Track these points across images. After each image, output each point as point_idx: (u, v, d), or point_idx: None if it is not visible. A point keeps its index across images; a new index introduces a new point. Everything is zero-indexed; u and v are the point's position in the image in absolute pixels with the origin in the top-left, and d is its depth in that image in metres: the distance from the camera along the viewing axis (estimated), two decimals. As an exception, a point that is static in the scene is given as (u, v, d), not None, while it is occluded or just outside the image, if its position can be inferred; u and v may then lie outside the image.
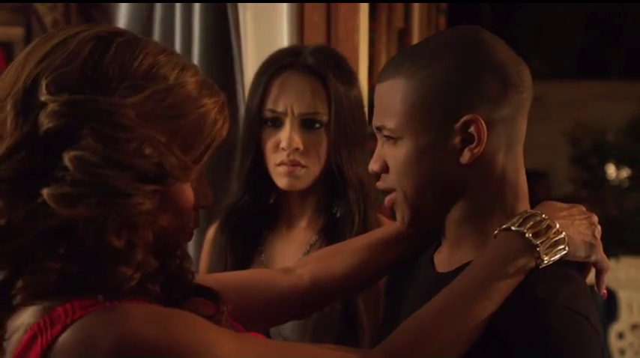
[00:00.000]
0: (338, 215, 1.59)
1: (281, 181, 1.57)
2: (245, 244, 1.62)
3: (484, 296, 1.00)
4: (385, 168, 1.12)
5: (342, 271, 1.23)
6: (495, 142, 1.07)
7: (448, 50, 1.08)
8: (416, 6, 3.71)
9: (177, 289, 0.99)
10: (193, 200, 0.99)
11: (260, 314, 1.20)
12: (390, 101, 1.09)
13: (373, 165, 1.13)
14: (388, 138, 1.10)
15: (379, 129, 1.11)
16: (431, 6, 3.98)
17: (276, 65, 1.57)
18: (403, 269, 1.24)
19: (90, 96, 0.91)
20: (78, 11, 2.42)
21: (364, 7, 2.19)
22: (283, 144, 1.55)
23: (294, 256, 1.60)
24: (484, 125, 1.05)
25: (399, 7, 3.56)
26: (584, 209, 1.12)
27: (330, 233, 1.58)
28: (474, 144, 1.06)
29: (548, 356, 0.97)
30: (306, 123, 1.55)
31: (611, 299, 4.79)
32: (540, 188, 5.54)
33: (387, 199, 1.13)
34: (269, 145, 1.57)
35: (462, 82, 1.06)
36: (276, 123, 1.56)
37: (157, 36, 2.16)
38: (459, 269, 1.08)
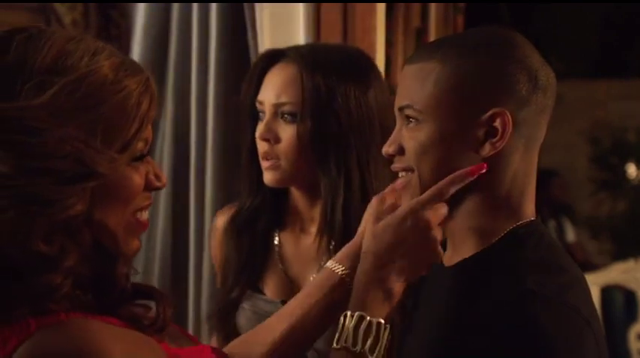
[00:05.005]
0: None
1: (263, 176, 1.53)
2: (253, 245, 1.58)
3: None
4: (401, 151, 1.13)
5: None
6: (515, 142, 1.09)
7: (485, 45, 1.10)
8: (433, 5, 3.71)
9: (110, 296, 0.94)
10: (142, 184, 0.95)
11: None
12: (421, 82, 1.10)
13: (388, 148, 1.14)
14: (410, 120, 1.11)
15: (402, 109, 1.12)
16: (448, 5, 3.96)
17: (267, 59, 1.55)
18: None
19: None
20: (97, 11, 2.43)
21: (381, 7, 2.19)
22: (256, 135, 1.53)
23: (314, 263, 1.55)
24: (510, 120, 1.07)
25: (416, 6, 3.56)
26: (415, 208, 1.09)
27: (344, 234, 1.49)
28: (497, 137, 1.08)
29: (537, 350, 0.98)
30: (282, 115, 1.50)
31: (631, 300, 4.76)
32: (554, 187, 5.52)
33: (399, 182, 1.14)
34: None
35: (496, 77, 1.08)
36: (261, 116, 1.53)
37: (174, 35, 2.17)
38: (458, 264, 1.11)
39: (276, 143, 1.50)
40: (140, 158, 0.96)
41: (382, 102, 1.53)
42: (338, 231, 1.50)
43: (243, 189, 1.61)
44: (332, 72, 1.49)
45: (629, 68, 7.06)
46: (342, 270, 1.19)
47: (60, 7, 2.43)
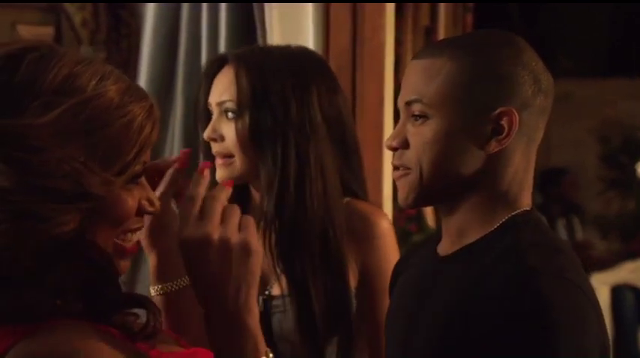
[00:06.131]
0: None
1: (216, 174, 1.55)
2: None
3: None
4: (405, 144, 1.14)
5: None
6: (517, 140, 1.13)
7: (494, 46, 1.14)
8: (442, 4, 3.71)
9: (101, 306, 0.94)
10: (135, 207, 0.96)
11: None
12: (430, 77, 1.13)
13: (392, 142, 1.15)
14: (417, 117, 1.13)
15: (410, 103, 1.14)
16: (457, 4, 3.97)
17: (216, 65, 1.58)
18: (405, 265, 1.28)
19: None
20: (106, 11, 2.44)
21: (390, 6, 2.19)
22: (204, 136, 1.56)
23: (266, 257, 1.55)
24: (517, 119, 1.11)
25: (425, 5, 3.56)
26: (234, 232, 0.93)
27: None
28: (504, 135, 1.11)
29: (542, 323, 1.00)
30: (225, 113, 1.54)
31: (641, 300, 4.75)
32: (566, 185, 5.50)
33: (397, 174, 1.15)
34: None
35: (504, 76, 1.12)
36: (213, 118, 1.57)
37: (183, 36, 2.18)
38: (460, 250, 1.14)
39: (222, 141, 1.55)
40: (135, 179, 0.97)
41: (328, 100, 1.56)
42: (270, 222, 1.52)
43: None
44: (269, 70, 1.53)
45: (639, 67, 7.04)
46: (157, 290, 1.20)
47: (70, 7, 2.44)
